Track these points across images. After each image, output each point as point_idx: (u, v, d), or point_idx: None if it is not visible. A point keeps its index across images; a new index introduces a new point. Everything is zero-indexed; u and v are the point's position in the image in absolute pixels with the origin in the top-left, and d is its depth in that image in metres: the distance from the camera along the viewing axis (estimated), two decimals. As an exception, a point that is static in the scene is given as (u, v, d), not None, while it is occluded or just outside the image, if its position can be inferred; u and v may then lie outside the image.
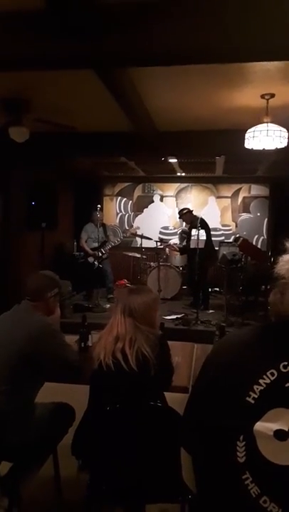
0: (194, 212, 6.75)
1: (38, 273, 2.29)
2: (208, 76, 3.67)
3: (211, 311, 6.11)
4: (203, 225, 6.03)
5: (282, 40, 2.65)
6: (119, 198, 9.20)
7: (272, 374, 0.72)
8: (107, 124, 5.22)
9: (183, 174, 8.22)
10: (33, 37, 2.84)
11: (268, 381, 0.72)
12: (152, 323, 2.02)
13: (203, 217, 6.26)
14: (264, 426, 0.69)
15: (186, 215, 6.52)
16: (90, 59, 3.00)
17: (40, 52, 2.95)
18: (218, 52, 2.83)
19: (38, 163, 6.28)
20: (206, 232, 6.05)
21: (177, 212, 8.95)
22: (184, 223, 7.39)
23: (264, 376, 0.73)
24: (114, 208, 9.19)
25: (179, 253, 7.30)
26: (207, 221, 6.37)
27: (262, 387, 0.72)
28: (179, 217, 6.89)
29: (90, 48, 2.88)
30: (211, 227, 6.53)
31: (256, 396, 0.72)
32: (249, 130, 4.18)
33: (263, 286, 5.68)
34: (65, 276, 5.98)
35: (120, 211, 9.22)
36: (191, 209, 6.74)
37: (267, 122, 4.09)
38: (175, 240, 8.18)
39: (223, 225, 8.79)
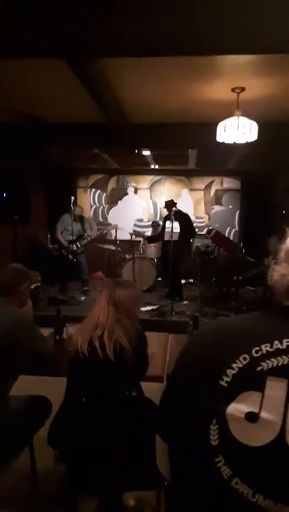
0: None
1: (8, 267, 2.26)
2: (180, 69, 3.69)
3: (185, 302, 6.19)
4: (179, 217, 6.06)
5: (252, 33, 2.69)
6: (93, 190, 9.14)
7: (244, 358, 0.75)
8: (79, 115, 5.16)
9: (156, 167, 8.24)
10: (1, 25, 2.78)
11: (240, 365, 0.75)
12: (133, 316, 2.05)
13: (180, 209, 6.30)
14: (236, 408, 0.72)
15: (169, 206, 6.50)
16: (60, 49, 2.96)
17: (9, 41, 2.89)
18: (188, 45, 2.84)
19: (8, 155, 6.14)
20: (180, 224, 6.08)
21: (151, 204, 9.02)
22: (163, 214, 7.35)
23: (237, 361, 0.75)
24: (88, 201, 9.12)
25: (147, 242, 7.32)
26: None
27: (234, 371, 0.75)
28: (164, 207, 6.88)
29: (59, 38, 2.84)
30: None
31: (229, 380, 0.74)
32: (220, 123, 4.23)
33: (235, 277, 5.79)
34: (38, 268, 5.93)
35: (94, 203, 9.17)
36: (175, 202, 6.74)
37: (238, 116, 4.15)
38: (149, 233, 8.22)
39: (196, 218, 8.88)
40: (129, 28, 2.78)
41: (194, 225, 8.56)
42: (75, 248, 6.57)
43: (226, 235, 8.48)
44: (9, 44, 2.93)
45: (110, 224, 7.86)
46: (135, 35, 2.80)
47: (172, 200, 6.58)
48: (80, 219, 6.80)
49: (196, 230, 8.54)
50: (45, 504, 2.21)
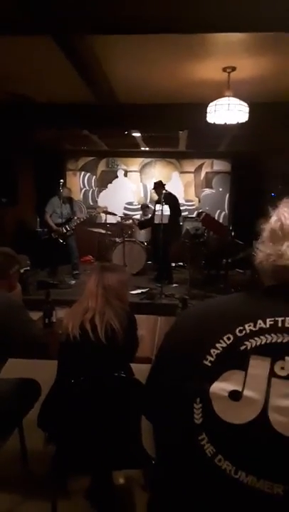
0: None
1: None
2: (170, 47, 3.61)
3: (175, 285, 6.21)
4: (169, 199, 6.03)
5: (243, 11, 2.64)
6: (83, 172, 9.04)
7: (228, 338, 0.75)
8: (67, 95, 5.06)
9: (147, 149, 8.16)
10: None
11: (224, 345, 0.75)
12: (123, 299, 2.06)
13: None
14: (219, 387, 0.72)
15: (157, 187, 6.44)
16: (46, 25, 2.88)
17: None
18: (178, 23, 2.78)
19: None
20: (170, 207, 6.05)
21: (141, 187, 8.96)
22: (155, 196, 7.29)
23: (220, 340, 0.75)
24: (78, 183, 9.03)
25: (139, 227, 7.31)
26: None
27: (218, 351, 0.75)
28: (152, 189, 6.82)
29: (46, 14, 2.76)
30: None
31: (213, 359, 0.75)
32: (211, 104, 4.18)
33: (224, 260, 5.81)
34: (28, 252, 5.88)
35: (84, 186, 9.08)
36: (164, 183, 6.67)
37: (228, 96, 4.11)
38: (138, 216, 8.18)
39: (186, 200, 8.86)
40: (119, 4, 2.71)
41: (184, 208, 8.60)
42: (64, 231, 6.52)
43: (216, 217, 8.48)
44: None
45: (99, 206, 7.80)
46: (124, 12, 2.73)
47: (161, 182, 6.53)
48: (69, 201, 6.72)
49: (186, 212, 8.57)
50: (35, 485, 2.24)
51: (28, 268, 5.96)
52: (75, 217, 6.67)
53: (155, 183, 6.56)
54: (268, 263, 0.80)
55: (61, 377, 1.92)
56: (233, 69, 4.07)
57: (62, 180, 6.58)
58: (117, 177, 9.03)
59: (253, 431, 0.69)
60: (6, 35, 3.19)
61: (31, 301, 3.75)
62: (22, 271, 5.24)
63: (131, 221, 7.60)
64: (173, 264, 6.86)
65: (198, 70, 4.16)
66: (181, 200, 8.41)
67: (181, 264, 7.51)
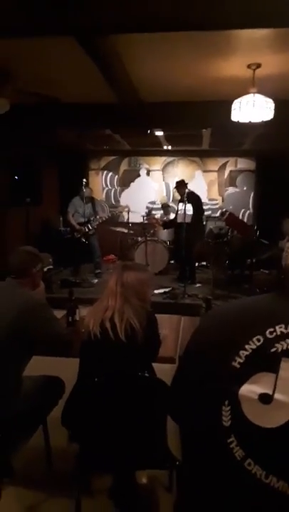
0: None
1: (20, 250, 2.26)
2: (194, 44, 3.58)
3: (198, 285, 6.17)
4: (192, 198, 5.98)
5: (267, 7, 2.59)
6: (105, 172, 9.08)
7: (258, 340, 0.73)
8: (91, 95, 5.08)
9: (169, 147, 8.12)
10: (11, 4, 2.72)
11: (253, 346, 0.73)
12: (144, 298, 2.05)
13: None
14: (249, 390, 0.71)
15: (179, 186, 6.42)
16: (70, 26, 2.89)
17: (19, 20, 2.83)
18: (201, 19, 2.75)
19: (20, 137, 6.12)
20: (193, 206, 6.00)
21: (164, 186, 8.93)
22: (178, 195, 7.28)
23: (250, 342, 0.73)
24: (100, 183, 9.08)
25: (162, 228, 7.29)
26: (195, 195, 6.33)
27: (247, 353, 0.73)
28: (174, 187, 6.80)
29: (69, 15, 2.77)
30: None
31: (242, 361, 0.73)
32: (235, 101, 4.12)
33: (249, 260, 5.73)
34: (51, 251, 5.95)
35: (106, 186, 9.12)
36: (186, 182, 6.64)
37: (253, 93, 4.03)
38: (159, 215, 8.15)
39: (209, 200, 8.78)
40: (141, 2, 2.69)
41: (207, 207, 8.52)
42: (86, 230, 6.56)
43: (240, 217, 8.37)
44: (19, 23, 2.88)
45: (121, 206, 7.82)
46: (147, 10, 2.72)
47: (183, 181, 6.49)
48: (91, 200, 6.76)
49: (210, 212, 8.50)
50: (59, 483, 2.26)
51: (52, 267, 6.04)
52: (97, 217, 6.71)
53: (177, 182, 6.53)
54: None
55: (83, 376, 1.93)
56: (258, 66, 4.00)
57: (84, 180, 6.63)
58: (139, 176, 9.03)
59: (284, 435, 0.67)
60: (30, 37, 3.23)
61: (55, 300, 3.79)
62: (45, 269, 5.33)
63: (154, 222, 7.58)
64: (196, 264, 6.81)
65: (223, 67, 4.11)
66: (204, 199, 8.35)
67: (204, 263, 7.44)
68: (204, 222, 6.96)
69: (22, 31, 3.02)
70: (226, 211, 6.31)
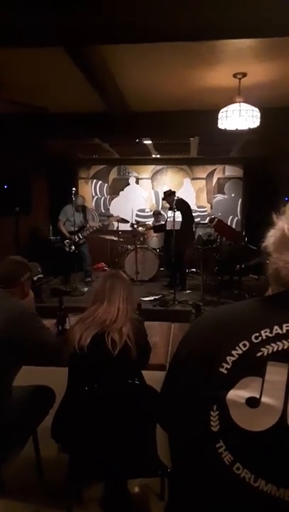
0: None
1: (8, 259, 2.25)
2: (181, 55, 3.64)
3: (188, 292, 6.18)
4: (181, 206, 6.03)
5: (252, 17, 2.64)
6: (95, 180, 9.10)
7: (244, 345, 0.74)
8: (79, 104, 5.11)
9: (158, 156, 8.19)
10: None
11: (240, 352, 0.74)
12: (133, 303, 2.05)
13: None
14: (236, 394, 0.71)
15: (168, 196, 6.48)
16: (58, 36, 2.92)
17: (7, 30, 2.85)
18: (188, 30, 2.80)
19: (9, 146, 6.11)
20: (182, 213, 6.04)
21: (153, 194, 8.98)
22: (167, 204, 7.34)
23: (236, 347, 0.75)
24: (89, 191, 9.09)
25: (153, 231, 7.33)
26: (184, 203, 6.38)
27: (234, 358, 0.74)
28: (162, 199, 6.86)
29: (57, 25, 2.80)
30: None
31: (229, 366, 0.74)
32: (222, 110, 4.18)
33: (238, 266, 5.77)
34: (41, 260, 5.92)
35: (96, 194, 9.13)
36: (173, 190, 6.69)
37: (239, 102, 4.10)
38: (150, 223, 8.18)
39: (198, 207, 8.84)
40: (128, 13, 2.73)
41: (196, 214, 8.58)
42: (77, 239, 6.56)
43: (229, 223, 8.44)
44: (7, 33, 2.90)
45: (112, 215, 7.83)
46: (134, 21, 2.76)
47: (170, 190, 6.57)
48: (83, 209, 6.77)
49: (199, 219, 8.56)
50: (50, 493, 2.23)
51: (41, 276, 6.01)
52: (88, 226, 6.71)
53: (164, 194, 6.61)
54: (274, 270, 0.79)
55: (73, 387, 1.91)
56: (244, 75, 4.07)
57: (74, 189, 6.63)
58: (128, 184, 9.06)
59: (271, 438, 0.68)
60: (18, 47, 3.25)
61: (44, 309, 3.77)
62: (35, 278, 5.30)
63: (145, 228, 7.62)
64: (186, 271, 6.84)
65: (209, 76, 4.17)
66: (193, 207, 8.40)
67: (194, 270, 7.48)
68: (194, 229, 7.00)
69: (10, 41, 3.04)
70: (214, 218, 6.36)
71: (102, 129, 5.83)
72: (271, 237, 0.83)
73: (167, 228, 6.19)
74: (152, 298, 5.69)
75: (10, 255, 2.35)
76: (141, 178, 9.03)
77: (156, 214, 8.01)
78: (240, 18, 2.70)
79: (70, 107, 5.23)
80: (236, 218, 8.83)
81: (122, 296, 1.95)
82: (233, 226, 8.41)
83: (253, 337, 0.74)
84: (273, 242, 0.82)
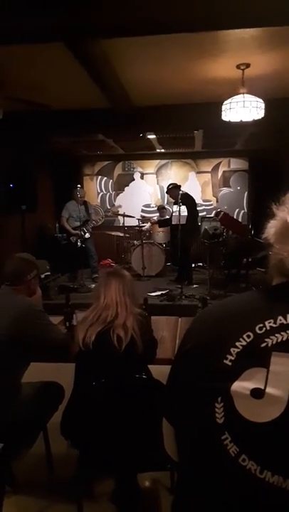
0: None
1: (15, 257, 2.26)
2: (183, 47, 3.60)
3: (195, 286, 6.17)
4: (186, 200, 6.00)
5: (254, 6, 2.61)
6: (100, 177, 9.09)
7: (248, 336, 0.74)
8: (82, 100, 5.10)
9: (162, 150, 8.15)
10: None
11: (244, 343, 0.73)
12: (137, 300, 2.05)
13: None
14: (241, 386, 0.71)
15: (171, 190, 6.46)
16: (58, 30, 2.91)
17: (8, 27, 2.84)
18: (189, 21, 2.77)
19: (14, 145, 6.13)
20: (187, 208, 6.02)
21: (158, 189, 8.95)
22: (171, 199, 7.31)
23: (240, 339, 0.74)
24: (94, 188, 9.09)
25: (158, 226, 7.32)
26: (189, 197, 6.35)
27: (238, 349, 0.73)
28: (166, 192, 6.84)
29: (57, 20, 2.79)
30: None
31: (233, 358, 0.73)
32: (226, 102, 4.15)
33: (245, 259, 5.74)
34: (48, 257, 5.94)
35: (101, 190, 9.13)
36: (179, 184, 6.65)
37: (243, 93, 4.06)
38: (156, 218, 8.17)
39: (204, 200, 8.80)
40: (128, 6, 2.71)
41: (202, 208, 8.55)
42: (82, 233, 6.57)
43: (235, 216, 8.39)
44: (8, 30, 2.89)
45: (114, 206, 7.82)
46: (134, 14, 2.74)
47: (173, 184, 6.52)
48: (84, 203, 6.77)
49: (204, 212, 8.52)
50: (61, 488, 2.25)
51: (49, 273, 6.04)
52: (92, 220, 6.71)
53: (168, 187, 6.57)
54: (278, 260, 0.78)
55: (81, 382, 1.91)
56: (247, 66, 4.03)
57: (79, 186, 6.64)
58: (133, 180, 9.05)
59: (277, 429, 0.68)
60: (19, 44, 3.24)
61: (52, 306, 3.79)
62: (42, 276, 5.32)
63: (149, 224, 7.60)
64: (192, 265, 6.82)
65: (212, 68, 4.13)
66: (198, 200, 8.36)
67: (200, 264, 7.46)
68: (199, 223, 6.98)
69: (11, 38, 3.03)
70: (220, 211, 6.33)
71: (105, 125, 5.82)
72: (272, 228, 0.81)
73: (173, 223, 6.17)
74: (159, 293, 5.68)
75: (17, 253, 2.35)
76: (146, 173, 9.01)
77: (161, 209, 7.99)
78: (242, 8, 2.67)
79: (74, 103, 5.22)
80: (242, 211, 8.78)
81: (118, 290, 1.94)
82: (240, 219, 8.37)
83: (257, 328, 0.73)
84: (275, 232, 0.81)
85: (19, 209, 6.17)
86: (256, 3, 2.62)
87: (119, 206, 7.25)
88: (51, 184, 8.38)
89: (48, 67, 4.05)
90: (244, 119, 4.16)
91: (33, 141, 6.60)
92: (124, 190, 9.07)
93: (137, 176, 9.02)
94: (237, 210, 8.75)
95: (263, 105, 4.11)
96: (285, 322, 0.72)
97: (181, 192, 5.95)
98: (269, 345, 0.71)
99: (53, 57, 3.73)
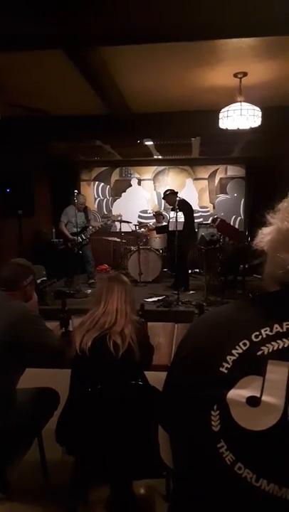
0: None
1: (11, 262, 2.26)
2: (181, 55, 3.64)
3: (191, 292, 6.18)
4: (183, 206, 6.02)
5: (251, 15, 2.64)
6: (97, 182, 9.11)
7: (244, 344, 0.74)
8: (80, 107, 5.13)
9: (160, 157, 8.19)
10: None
11: (240, 351, 0.73)
12: (133, 305, 2.04)
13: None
14: (237, 394, 0.71)
15: (168, 196, 6.48)
16: (57, 38, 2.93)
17: (7, 33, 2.86)
18: (187, 29, 2.80)
19: (11, 149, 6.14)
20: (184, 214, 6.04)
21: (155, 195, 8.98)
22: (167, 205, 7.33)
23: (236, 347, 0.74)
24: (92, 193, 9.10)
25: (155, 232, 7.34)
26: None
27: (234, 357, 0.73)
28: (163, 198, 6.86)
29: (57, 28, 2.81)
30: (189, 209, 6.52)
31: (229, 366, 0.73)
32: (223, 110, 4.18)
33: (241, 266, 5.75)
34: (44, 263, 5.93)
35: (98, 196, 9.15)
36: (176, 190, 6.68)
37: (240, 101, 4.10)
38: (152, 223, 8.18)
39: (201, 207, 8.83)
40: (126, 14, 2.73)
41: (199, 214, 8.57)
42: (80, 240, 6.56)
43: (232, 223, 8.42)
44: (7, 36, 2.91)
45: (113, 215, 7.83)
46: (133, 22, 2.76)
47: (171, 190, 6.55)
48: (84, 209, 6.76)
49: (201, 219, 8.55)
50: (56, 496, 2.23)
51: (45, 278, 6.03)
52: (90, 227, 6.71)
53: (164, 193, 6.60)
54: (285, 270, 0.78)
55: (76, 388, 1.90)
56: (245, 74, 4.07)
57: (76, 191, 6.64)
58: (130, 186, 9.07)
59: (273, 437, 0.68)
60: (18, 51, 3.26)
61: (48, 311, 3.78)
62: (39, 281, 5.31)
63: (146, 229, 7.61)
64: (189, 271, 6.83)
65: (210, 76, 4.17)
66: (195, 207, 8.39)
67: (197, 270, 7.47)
68: (196, 230, 7.00)
69: (10, 45, 3.05)
70: (217, 218, 6.35)
71: (103, 131, 5.84)
72: (268, 235, 0.82)
73: (170, 229, 6.19)
74: (156, 299, 5.68)
75: (13, 258, 2.35)
76: (143, 180, 9.03)
77: (158, 215, 8.01)
78: (239, 17, 2.69)
79: (72, 109, 5.25)
80: (239, 218, 8.81)
81: (120, 297, 1.94)
82: (236, 226, 8.39)
83: (253, 336, 0.73)
84: (272, 240, 0.81)
85: (16, 214, 6.18)
86: (253, 12, 2.65)
87: (120, 215, 7.24)
88: (48, 189, 8.38)
89: (46, 74, 4.07)
90: (241, 127, 4.19)
91: (31, 146, 6.61)
92: (121, 196, 9.09)
93: (134, 181, 9.05)
94: (234, 216, 8.78)
95: (259, 113, 4.15)
96: (281, 330, 0.72)
97: (178, 198, 5.98)
98: (265, 353, 0.71)
99: (51, 63, 3.75)
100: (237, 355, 0.73)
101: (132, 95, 4.75)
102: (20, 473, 2.34)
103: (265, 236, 0.83)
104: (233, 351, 0.74)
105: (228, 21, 2.73)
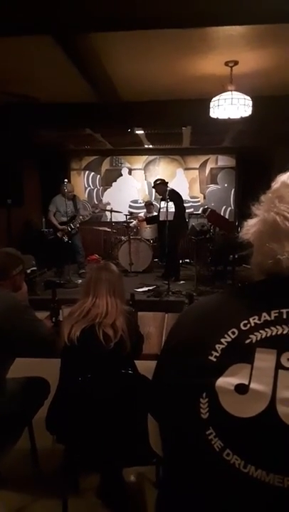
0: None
1: (0, 252, 2.23)
2: (172, 43, 3.59)
3: (181, 282, 6.20)
4: (173, 196, 6.01)
5: (243, 3, 2.62)
6: (87, 172, 9.04)
7: (233, 333, 0.74)
8: (70, 94, 5.05)
9: (150, 146, 8.14)
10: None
11: (228, 339, 0.74)
12: (123, 295, 2.04)
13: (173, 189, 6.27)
14: (225, 381, 0.72)
15: (158, 186, 6.46)
16: (46, 25, 2.87)
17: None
18: (178, 17, 2.76)
19: None
20: (175, 204, 6.03)
21: (146, 184, 8.95)
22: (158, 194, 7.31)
23: (225, 335, 0.75)
24: (82, 183, 9.04)
25: (146, 223, 7.33)
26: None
27: (223, 346, 0.74)
28: (153, 187, 6.84)
29: (45, 13, 2.76)
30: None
31: (218, 354, 0.74)
32: (214, 99, 4.16)
33: (231, 256, 5.78)
34: (34, 252, 5.89)
35: (88, 185, 9.08)
36: (166, 180, 6.65)
37: (231, 90, 4.08)
38: (142, 214, 8.17)
39: (191, 197, 8.83)
40: (119, 0, 2.69)
41: (189, 204, 8.58)
42: (69, 229, 6.52)
43: (222, 213, 8.44)
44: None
45: (102, 203, 7.79)
46: (123, 8, 2.72)
47: (161, 180, 6.52)
48: (73, 198, 6.71)
49: (192, 209, 8.56)
50: (46, 484, 2.25)
51: (35, 268, 5.99)
52: (80, 216, 6.66)
53: (154, 182, 6.58)
54: (275, 260, 0.78)
55: (66, 377, 1.90)
56: (236, 63, 4.04)
57: (66, 180, 6.58)
58: (121, 175, 9.02)
59: (260, 424, 0.68)
60: (6, 36, 3.19)
61: (38, 301, 3.77)
62: (28, 271, 5.28)
63: (136, 220, 7.59)
64: (180, 261, 6.85)
65: (200, 65, 4.14)
66: (186, 197, 8.39)
67: (187, 260, 7.49)
68: (187, 220, 7.00)
69: (-2, 30, 2.99)
70: (207, 208, 6.36)
71: (93, 119, 5.78)
72: (253, 227, 0.82)
73: (160, 219, 6.18)
74: (146, 289, 5.70)
75: (2, 247, 2.33)
76: (134, 169, 8.99)
77: (148, 205, 7.99)
78: (231, 5, 2.67)
79: (61, 96, 5.17)
80: (229, 208, 8.83)
81: (109, 288, 1.93)
82: (226, 216, 8.42)
83: (241, 324, 0.74)
84: (263, 231, 0.81)
85: (5, 203, 6.11)
86: (245, 0, 2.63)
87: (108, 203, 7.20)
88: (38, 178, 8.30)
89: (35, 60, 4.00)
90: (232, 117, 4.17)
91: (19, 134, 6.52)
92: (111, 186, 9.04)
93: (124, 171, 9.00)
94: (224, 207, 8.80)
95: (250, 103, 4.14)
96: (269, 319, 0.73)
97: (168, 189, 5.96)
98: (253, 341, 0.72)
99: (41, 50, 3.68)
100: (226, 343, 0.74)
101: (123, 83, 4.69)
102: (11, 461, 2.34)
103: (250, 228, 0.83)
104: (222, 340, 0.74)
105: (219, 9, 2.70)
